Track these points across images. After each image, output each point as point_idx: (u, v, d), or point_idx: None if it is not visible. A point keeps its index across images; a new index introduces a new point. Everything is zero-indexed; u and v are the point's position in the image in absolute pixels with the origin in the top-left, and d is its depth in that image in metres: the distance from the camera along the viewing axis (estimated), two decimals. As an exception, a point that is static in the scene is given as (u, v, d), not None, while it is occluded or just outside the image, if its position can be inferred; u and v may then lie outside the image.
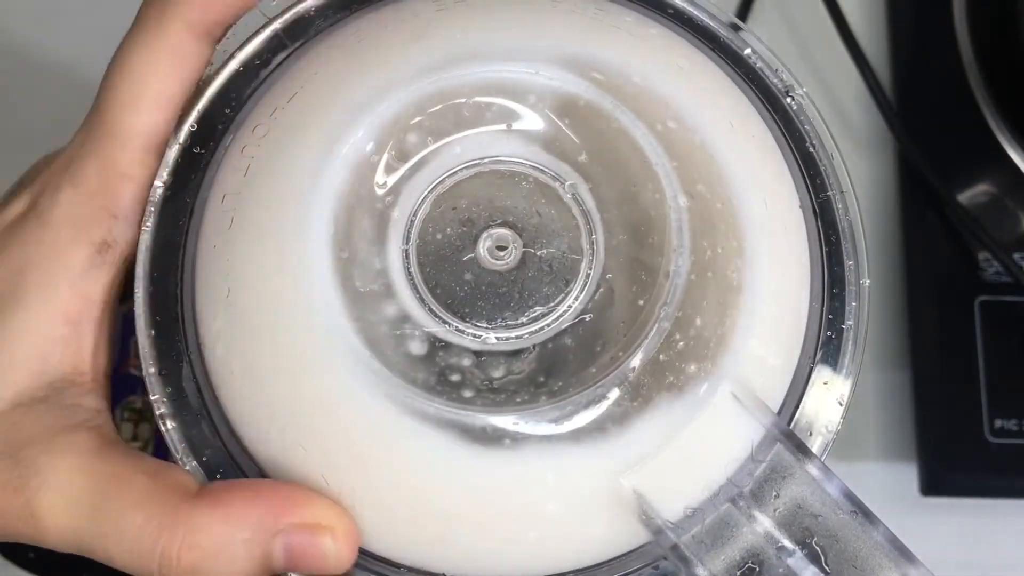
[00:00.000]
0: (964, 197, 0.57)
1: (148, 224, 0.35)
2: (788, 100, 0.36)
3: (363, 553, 0.33)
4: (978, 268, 0.57)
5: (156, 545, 0.31)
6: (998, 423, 0.55)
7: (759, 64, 0.36)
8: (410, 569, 0.33)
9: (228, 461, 0.33)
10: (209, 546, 0.31)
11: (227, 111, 0.36)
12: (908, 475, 0.56)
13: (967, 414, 0.55)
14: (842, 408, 0.34)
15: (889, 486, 0.57)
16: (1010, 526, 0.57)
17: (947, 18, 0.58)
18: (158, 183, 0.35)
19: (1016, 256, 0.56)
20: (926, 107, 0.59)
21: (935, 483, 0.55)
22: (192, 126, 0.35)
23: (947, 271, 0.57)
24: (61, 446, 0.33)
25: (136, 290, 0.34)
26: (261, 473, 0.33)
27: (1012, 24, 0.54)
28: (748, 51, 0.36)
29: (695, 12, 0.37)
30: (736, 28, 0.37)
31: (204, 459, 0.33)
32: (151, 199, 0.35)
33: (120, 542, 0.31)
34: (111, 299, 0.35)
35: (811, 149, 0.36)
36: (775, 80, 0.36)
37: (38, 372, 0.34)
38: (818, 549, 0.31)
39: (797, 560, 0.31)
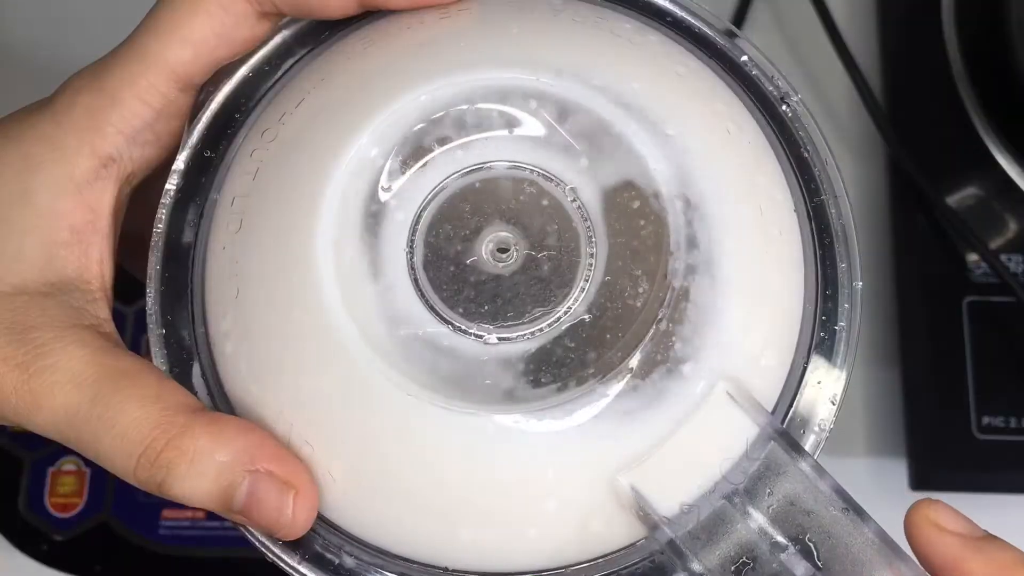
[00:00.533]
0: (953, 200, 0.58)
1: (160, 225, 0.35)
2: (784, 107, 0.36)
3: (366, 546, 0.33)
4: (966, 269, 0.57)
5: (145, 437, 0.32)
6: (985, 420, 0.55)
7: (755, 71, 0.37)
8: (411, 562, 0.33)
9: None
10: (189, 451, 0.32)
11: (237, 115, 0.36)
12: (898, 471, 0.57)
13: (955, 411, 0.55)
14: (835, 407, 0.34)
15: (879, 481, 0.57)
16: (997, 520, 0.55)
17: (936, 25, 0.58)
18: (169, 185, 0.35)
19: (1003, 258, 0.57)
20: (915, 112, 0.60)
21: (924, 478, 0.55)
22: (203, 130, 0.36)
23: (936, 272, 0.57)
24: (72, 336, 0.33)
25: (148, 289, 0.35)
26: None
27: (1000, 31, 0.55)
28: (745, 58, 0.37)
29: (693, 20, 0.37)
30: (732, 35, 0.37)
31: None
32: (163, 201, 0.35)
33: (112, 429, 0.32)
34: (115, 216, 0.36)
35: (805, 154, 0.36)
36: (771, 87, 0.37)
37: (44, 268, 0.34)
38: (811, 545, 0.31)
39: (790, 556, 0.31)
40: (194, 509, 0.53)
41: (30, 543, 0.54)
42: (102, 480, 0.56)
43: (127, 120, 0.35)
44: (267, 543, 0.33)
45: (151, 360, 0.34)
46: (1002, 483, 0.56)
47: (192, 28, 0.35)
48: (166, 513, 0.55)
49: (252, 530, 0.33)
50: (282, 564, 0.33)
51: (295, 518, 0.32)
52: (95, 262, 0.35)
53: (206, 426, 0.32)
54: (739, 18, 0.61)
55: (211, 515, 0.52)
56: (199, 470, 0.32)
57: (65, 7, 0.59)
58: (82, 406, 0.32)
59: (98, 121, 0.35)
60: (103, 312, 0.35)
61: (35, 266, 0.34)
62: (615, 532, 0.33)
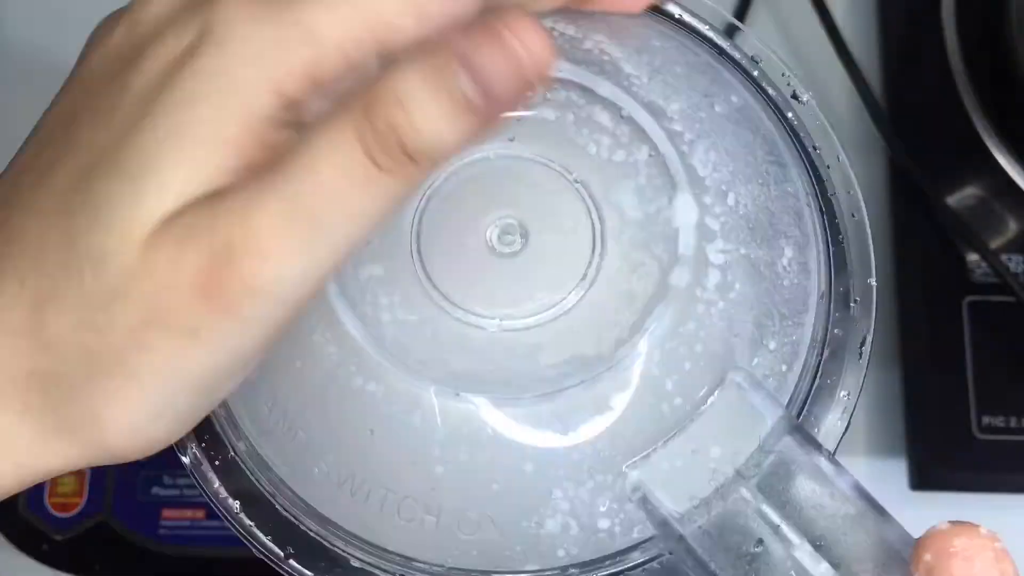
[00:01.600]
0: (953, 200, 0.58)
1: None
2: (796, 104, 0.37)
3: (367, 544, 0.33)
4: (966, 269, 0.57)
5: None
6: (985, 420, 0.55)
7: (767, 69, 0.37)
8: (409, 559, 0.33)
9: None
10: None
11: None
12: (897, 470, 0.57)
13: (955, 411, 0.55)
14: (852, 403, 0.34)
15: (879, 481, 0.57)
16: (997, 520, 0.55)
17: (936, 26, 0.59)
18: None
19: (1003, 258, 0.57)
20: (916, 113, 0.60)
21: (924, 478, 0.56)
22: None
23: (936, 272, 0.57)
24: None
25: None
26: (263, 460, 0.34)
27: (1000, 31, 0.55)
28: (754, 54, 0.37)
29: (701, 20, 0.38)
30: (736, 29, 0.38)
31: (204, 445, 0.34)
32: None
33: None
34: None
35: (817, 151, 0.36)
36: (782, 85, 0.37)
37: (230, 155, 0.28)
38: (825, 542, 0.31)
39: (804, 553, 0.31)
40: (194, 509, 0.53)
41: (30, 543, 0.54)
42: (102, 480, 0.56)
43: (320, 66, 0.28)
44: (259, 541, 0.33)
45: None
46: (1002, 483, 0.56)
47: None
48: (166, 513, 0.55)
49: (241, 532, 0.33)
50: (273, 562, 0.33)
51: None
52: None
53: None
54: (739, 18, 0.62)
55: (211, 515, 0.52)
56: None
57: (65, 7, 0.59)
58: None
59: (283, 53, 0.28)
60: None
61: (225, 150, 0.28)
62: (621, 529, 0.33)
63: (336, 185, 0.26)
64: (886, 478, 0.57)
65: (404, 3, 0.28)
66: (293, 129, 0.28)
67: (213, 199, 0.27)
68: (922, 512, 0.55)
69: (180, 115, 0.28)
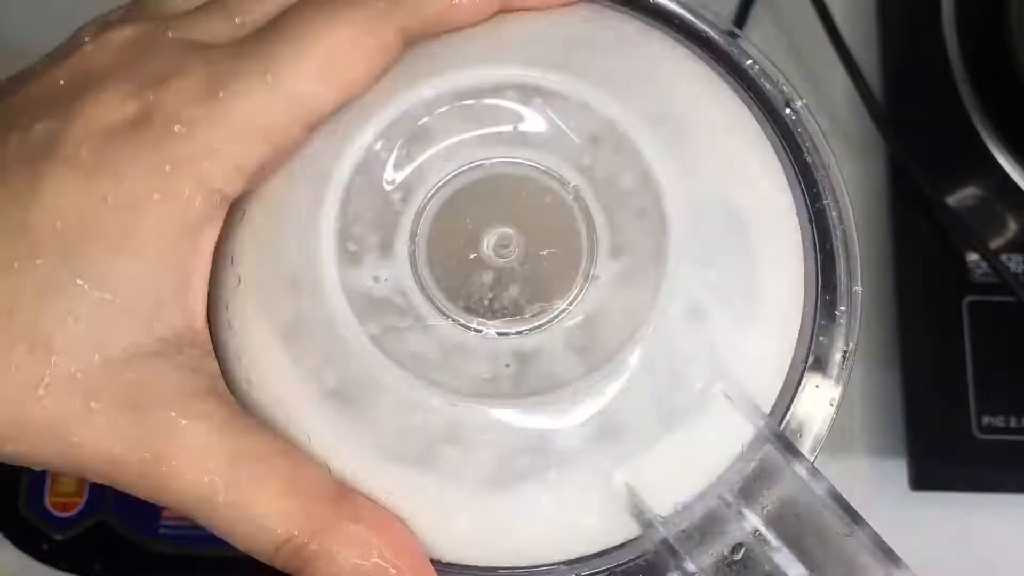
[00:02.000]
0: (953, 200, 0.58)
1: None
2: (788, 111, 0.37)
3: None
4: (966, 269, 0.57)
5: (286, 532, 0.31)
6: (986, 420, 0.55)
7: (759, 75, 0.37)
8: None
9: None
10: (331, 549, 0.31)
11: None
12: (898, 470, 0.57)
13: (956, 411, 0.55)
14: (832, 410, 0.34)
15: (879, 481, 0.57)
16: (998, 520, 0.57)
17: (936, 25, 0.58)
18: None
19: (1003, 258, 0.57)
20: (916, 112, 0.59)
21: (924, 478, 0.56)
22: None
23: (936, 272, 0.57)
24: (195, 410, 0.31)
25: None
26: None
27: (1000, 31, 0.55)
28: (749, 62, 0.37)
29: (697, 22, 0.38)
30: (734, 36, 0.37)
31: None
32: None
33: (250, 520, 0.31)
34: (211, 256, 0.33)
35: (808, 159, 0.36)
36: (775, 91, 0.37)
37: (153, 322, 0.31)
38: (804, 547, 0.31)
39: (783, 557, 0.31)
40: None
41: (30, 542, 0.54)
42: (102, 479, 0.56)
43: (248, 159, 0.32)
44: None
45: None
46: (1002, 483, 0.56)
47: (350, 79, 0.33)
48: (166, 513, 0.55)
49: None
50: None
51: None
52: (199, 310, 0.32)
53: (345, 523, 0.31)
54: (740, 19, 0.61)
55: None
56: (338, 566, 0.31)
57: (65, 7, 0.60)
58: (215, 494, 0.30)
59: (219, 158, 0.31)
60: (214, 367, 0.32)
61: (144, 321, 0.31)
62: (608, 529, 0.33)
63: None
64: (886, 478, 0.57)
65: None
66: None
67: None
68: (922, 512, 0.56)
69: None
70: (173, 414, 0.31)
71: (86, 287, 0.30)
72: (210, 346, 0.33)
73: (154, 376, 0.31)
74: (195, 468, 0.30)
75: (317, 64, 0.32)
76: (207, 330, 0.33)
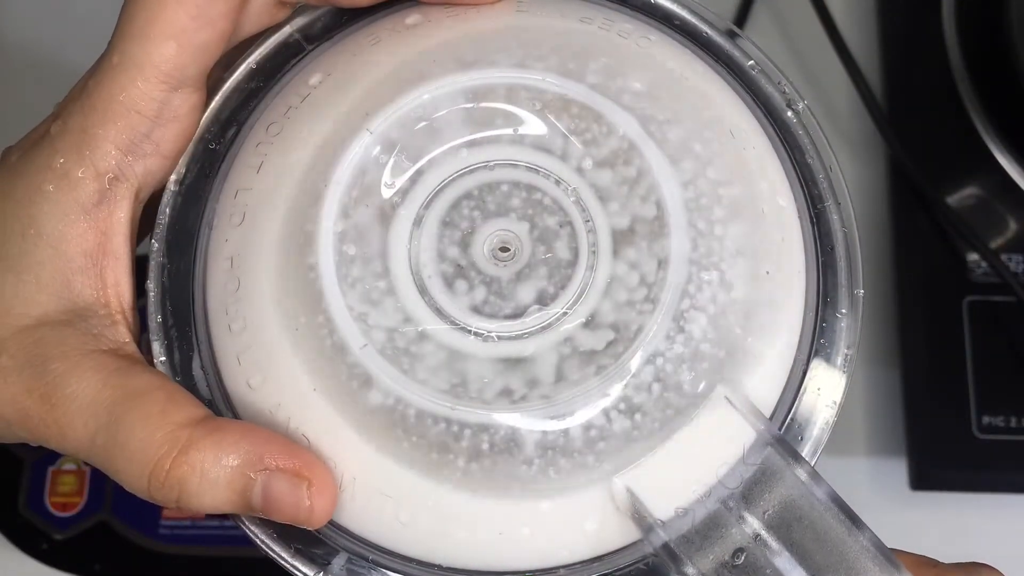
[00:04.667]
0: (953, 200, 0.58)
1: (162, 217, 0.35)
2: (789, 112, 0.37)
3: (360, 542, 0.33)
4: (966, 269, 0.57)
5: (152, 457, 0.32)
6: (986, 419, 0.55)
7: (761, 76, 0.37)
8: (404, 558, 0.33)
9: None
10: (198, 463, 0.32)
11: (243, 109, 0.37)
12: (898, 470, 0.57)
13: (955, 411, 0.55)
14: (833, 412, 0.34)
15: (879, 481, 0.58)
16: (997, 519, 0.57)
17: (937, 26, 0.58)
18: (173, 176, 0.36)
19: (1003, 257, 0.57)
20: (916, 113, 0.60)
21: (924, 478, 0.56)
22: (209, 122, 0.36)
23: (936, 272, 0.57)
24: (89, 363, 0.33)
25: (149, 281, 0.35)
26: None
27: (1000, 31, 0.55)
28: (750, 62, 0.37)
29: (698, 23, 0.37)
30: (735, 36, 0.37)
31: None
32: (166, 192, 0.35)
33: (124, 452, 0.32)
34: (130, 236, 0.35)
35: (809, 160, 0.36)
36: (776, 92, 0.37)
37: (61, 297, 0.34)
38: (805, 551, 0.31)
39: (784, 561, 0.31)
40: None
41: (30, 542, 0.54)
42: (102, 479, 0.56)
43: (122, 134, 0.34)
44: (261, 538, 0.34)
45: (152, 352, 0.35)
46: (1002, 483, 0.56)
47: (166, 19, 0.34)
48: (166, 513, 0.55)
49: (245, 523, 0.34)
50: (277, 558, 0.34)
51: (313, 508, 0.32)
52: (110, 285, 0.35)
53: (209, 435, 0.32)
54: (740, 19, 0.61)
55: (211, 514, 0.52)
56: (211, 480, 0.32)
57: (65, 7, 0.59)
58: (99, 431, 0.33)
59: (94, 140, 0.34)
60: (123, 335, 0.35)
61: (53, 296, 0.34)
62: (610, 533, 0.33)
63: None
64: (886, 478, 0.58)
65: None
66: None
67: None
68: (922, 512, 0.56)
69: None
70: (68, 365, 0.33)
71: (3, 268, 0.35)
72: (123, 317, 0.35)
73: (57, 339, 0.34)
74: (81, 413, 0.33)
75: (142, 23, 0.34)
76: (124, 301, 0.35)
